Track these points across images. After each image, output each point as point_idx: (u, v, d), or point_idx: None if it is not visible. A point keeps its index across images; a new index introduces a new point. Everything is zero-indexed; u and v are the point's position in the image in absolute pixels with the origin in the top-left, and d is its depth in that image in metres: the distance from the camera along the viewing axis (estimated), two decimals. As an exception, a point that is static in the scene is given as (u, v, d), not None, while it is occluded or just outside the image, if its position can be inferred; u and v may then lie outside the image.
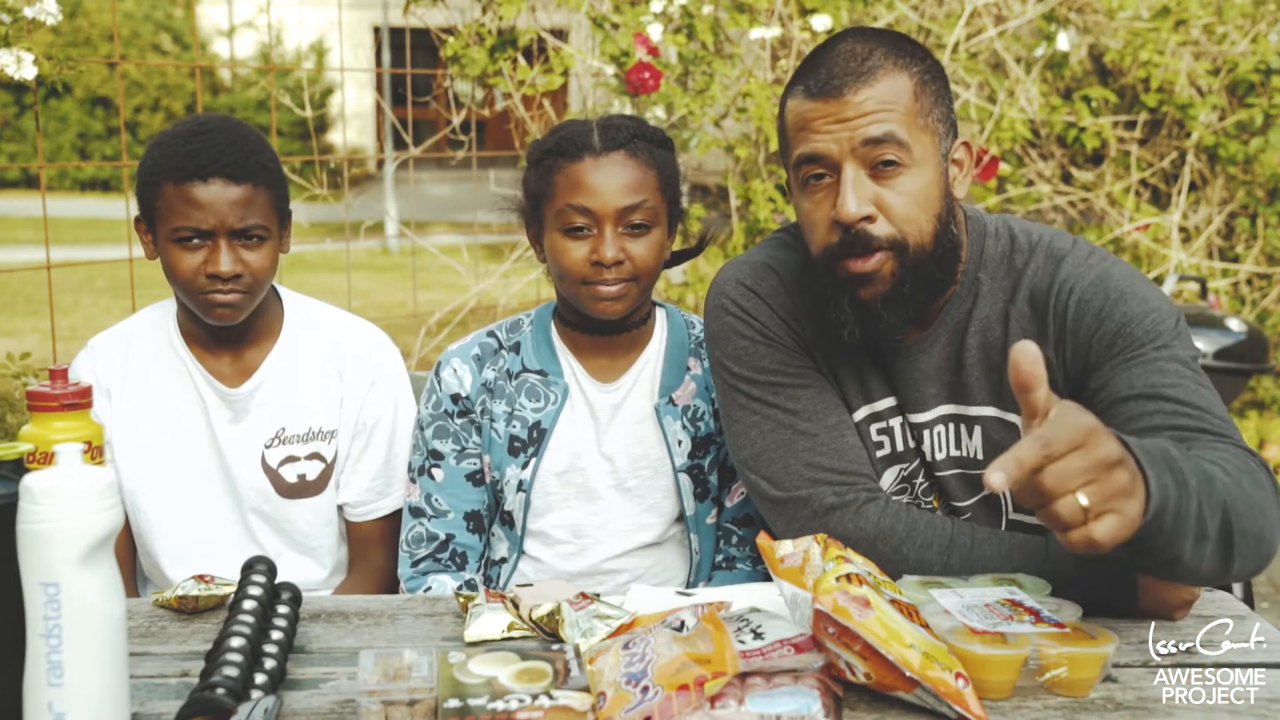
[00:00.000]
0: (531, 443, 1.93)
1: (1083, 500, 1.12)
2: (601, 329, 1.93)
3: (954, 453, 1.71)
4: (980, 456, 1.69)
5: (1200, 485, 1.31)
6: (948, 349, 1.69)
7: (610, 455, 1.94)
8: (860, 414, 1.73)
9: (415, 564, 1.96)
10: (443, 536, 1.96)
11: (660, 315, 2.02)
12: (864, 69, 1.58)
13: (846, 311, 1.62)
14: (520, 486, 1.93)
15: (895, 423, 1.73)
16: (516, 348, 1.98)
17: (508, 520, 1.97)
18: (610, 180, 1.83)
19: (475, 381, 1.95)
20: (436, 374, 1.98)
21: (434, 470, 1.97)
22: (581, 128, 1.89)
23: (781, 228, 1.86)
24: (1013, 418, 1.66)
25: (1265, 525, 1.42)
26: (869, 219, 1.57)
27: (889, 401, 1.73)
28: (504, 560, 1.98)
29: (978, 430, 1.69)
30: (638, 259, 1.85)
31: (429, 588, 1.93)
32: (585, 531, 1.95)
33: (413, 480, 2.00)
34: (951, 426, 1.70)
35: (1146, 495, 1.19)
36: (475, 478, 1.97)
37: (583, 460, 1.94)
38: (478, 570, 1.99)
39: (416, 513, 1.98)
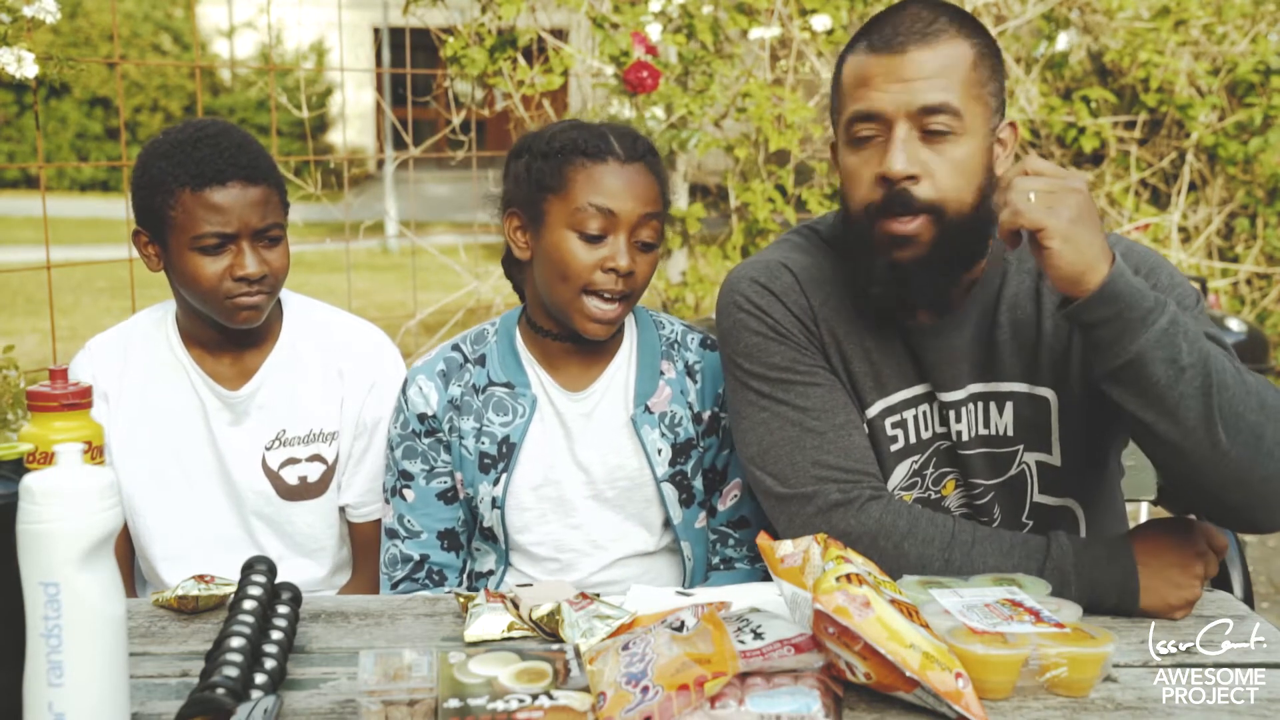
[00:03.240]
0: (501, 458, 1.88)
1: (1031, 196, 1.43)
2: (576, 335, 1.87)
3: (982, 431, 1.72)
4: (1010, 433, 1.71)
5: (1185, 327, 1.43)
6: (978, 327, 1.70)
7: (585, 465, 1.90)
8: (875, 409, 1.73)
9: (394, 586, 1.93)
10: (417, 557, 1.93)
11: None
12: (930, 30, 1.61)
13: (880, 271, 1.64)
14: (495, 503, 1.89)
15: (910, 414, 1.73)
16: (482, 360, 1.93)
17: (489, 535, 1.93)
18: (634, 188, 1.80)
19: (441, 399, 1.91)
20: (403, 392, 1.94)
21: (405, 491, 1.93)
22: (596, 131, 1.84)
23: (793, 229, 1.86)
24: (1042, 392, 1.68)
25: (1265, 423, 1.46)
26: (913, 179, 1.59)
27: (915, 390, 1.73)
28: (491, 573, 1.95)
29: (1008, 407, 1.70)
30: (641, 275, 1.82)
31: None
32: (568, 545, 1.91)
33: (386, 501, 1.97)
34: (981, 405, 1.71)
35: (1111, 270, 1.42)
36: (447, 496, 1.93)
37: (556, 473, 1.89)
38: (459, 584, 1.96)
39: (391, 534, 1.95)
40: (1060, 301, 1.48)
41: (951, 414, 1.72)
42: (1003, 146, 1.67)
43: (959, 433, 1.73)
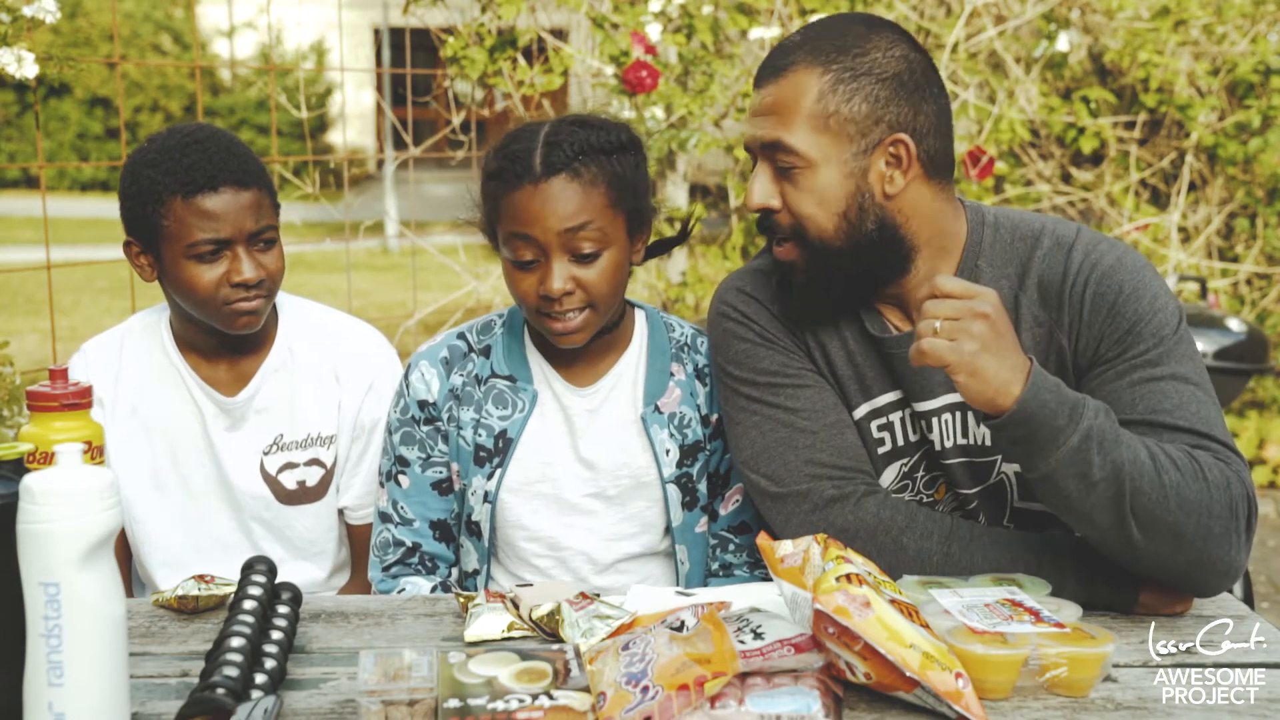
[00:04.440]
0: (497, 453, 1.86)
1: (936, 325, 1.45)
2: None
3: (960, 441, 1.72)
4: (988, 443, 1.70)
5: (1101, 436, 1.45)
6: None
7: (590, 461, 1.88)
8: (860, 411, 1.73)
9: (386, 569, 1.92)
10: (409, 544, 1.91)
11: (639, 316, 1.94)
12: (779, 64, 1.64)
13: (784, 289, 1.72)
14: (486, 498, 1.87)
15: (896, 417, 1.73)
16: (487, 351, 1.90)
17: (474, 531, 1.90)
18: (552, 209, 1.72)
19: (443, 388, 1.89)
20: (406, 377, 1.92)
21: (400, 477, 1.91)
22: (526, 145, 1.77)
23: None
24: None
25: (1184, 520, 1.47)
26: (770, 210, 1.66)
27: (892, 396, 1.73)
28: (476, 572, 1.93)
29: None
30: (591, 286, 1.75)
31: (402, 589, 1.89)
32: (562, 544, 1.89)
33: (381, 485, 1.95)
34: (959, 414, 1.71)
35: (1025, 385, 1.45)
36: (441, 486, 1.91)
37: (554, 470, 1.87)
38: (448, 575, 1.95)
39: (384, 518, 1.93)
40: (982, 415, 1.50)
41: (924, 423, 1.72)
42: (895, 165, 1.63)
43: (934, 441, 1.73)
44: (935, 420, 1.71)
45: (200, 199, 1.85)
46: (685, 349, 1.93)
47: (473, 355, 1.91)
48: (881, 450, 1.74)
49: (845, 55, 1.62)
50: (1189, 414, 1.55)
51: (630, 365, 1.91)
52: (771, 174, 1.65)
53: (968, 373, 1.43)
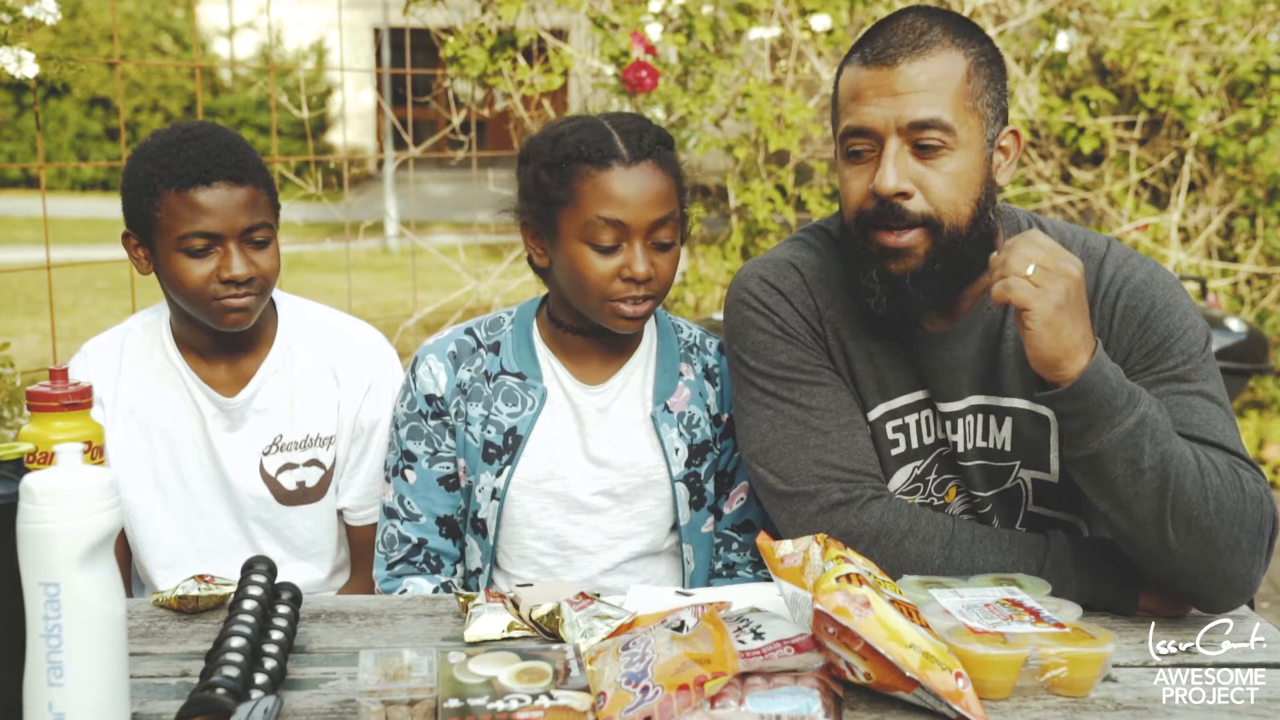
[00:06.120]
0: (506, 450, 1.86)
1: (1030, 269, 1.45)
2: (598, 330, 1.87)
3: (980, 444, 1.72)
4: (1008, 448, 1.70)
5: (1155, 426, 1.45)
6: (983, 340, 1.69)
7: (599, 459, 1.88)
8: (876, 412, 1.73)
9: (390, 566, 1.91)
10: (415, 540, 1.90)
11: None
12: (921, 42, 1.59)
13: (875, 282, 1.63)
14: (495, 495, 1.87)
15: (914, 419, 1.73)
16: (496, 348, 1.90)
17: (480, 528, 1.90)
18: (643, 193, 1.76)
19: (450, 382, 1.88)
20: (412, 370, 1.91)
21: (407, 471, 1.91)
22: (599, 131, 1.79)
23: (804, 228, 1.86)
24: (1044, 411, 1.67)
25: (1218, 526, 1.47)
26: (905, 195, 1.58)
27: (915, 395, 1.72)
28: (479, 571, 1.92)
29: (1008, 422, 1.70)
30: (663, 275, 1.79)
31: (404, 590, 1.89)
32: (568, 542, 1.89)
33: (387, 479, 1.94)
34: (981, 417, 1.71)
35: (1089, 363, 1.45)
36: (448, 482, 1.91)
37: (563, 468, 1.87)
38: (453, 573, 1.94)
39: (390, 514, 1.92)
40: (1038, 384, 1.50)
41: (949, 424, 1.72)
42: (1004, 154, 1.65)
43: (956, 443, 1.72)
44: (959, 421, 1.71)
45: (193, 192, 1.85)
46: (694, 349, 1.94)
47: (481, 351, 1.91)
48: (895, 452, 1.74)
49: (975, 39, 1.62)
50: (1216, 430, 1.56)
51: (640, 364, 1.92)
52: (909, 157, 1.59)
53: (1045, 323, 1.43)
